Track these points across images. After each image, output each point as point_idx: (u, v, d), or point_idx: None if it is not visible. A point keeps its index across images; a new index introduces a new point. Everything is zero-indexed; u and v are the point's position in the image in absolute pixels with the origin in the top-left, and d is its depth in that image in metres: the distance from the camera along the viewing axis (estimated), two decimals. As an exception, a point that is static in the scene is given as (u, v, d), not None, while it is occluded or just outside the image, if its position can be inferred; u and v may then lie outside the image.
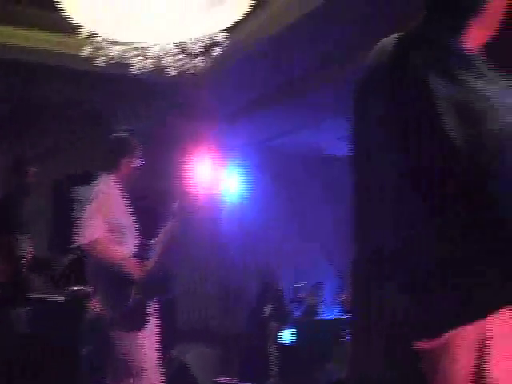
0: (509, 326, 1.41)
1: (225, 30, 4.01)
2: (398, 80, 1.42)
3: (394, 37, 1.50)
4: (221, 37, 3.91)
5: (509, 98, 1.31)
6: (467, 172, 1.28)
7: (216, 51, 3.97)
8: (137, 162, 4.02)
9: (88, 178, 4.19)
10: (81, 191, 6.77)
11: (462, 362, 1.35)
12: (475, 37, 1.43)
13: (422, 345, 1.37)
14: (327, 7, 4.86)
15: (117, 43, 3.56)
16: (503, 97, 1.31)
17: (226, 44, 4.00)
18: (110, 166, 3.96)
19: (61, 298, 5.48)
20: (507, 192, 1.27)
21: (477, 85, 1.31)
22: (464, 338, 1.35)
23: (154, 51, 3.68)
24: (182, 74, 4.18)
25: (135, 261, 3.87)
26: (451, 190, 1.31)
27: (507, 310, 1.40)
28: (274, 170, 8.95)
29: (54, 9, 3.82)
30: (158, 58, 3.78)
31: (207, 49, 3.93)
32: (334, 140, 7.43)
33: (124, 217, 3.98)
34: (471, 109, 1.28)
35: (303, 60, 5.90)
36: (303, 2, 4.97)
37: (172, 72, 3.97)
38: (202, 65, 4.09)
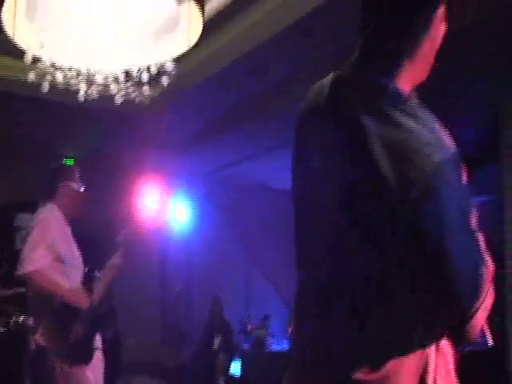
0: (448, 356, 1.42)
1: (174, 59, 3.99)
2: (333, 118, 1.46)
3: (330, 76, 1.53)
4: (169, 66, 3.88)
5: (437, 137, 1.35)
6: (397, 205, 1.30)
7: (164, 80, 3.94)
8: (75, 186, 3.98)
9: (31, 207, 4.12)
10: (24, 219, 6.65)
11: (403, 392, 1.35)
12: (407, 78, 1.46)
13: (362, 376, 1.35)
14: (275, 41, 4.93)
15: (63, 69, 3.52)
16: (432, 136, 1.34)
17: (174, 73, 3.98)
18: (49, 192, 3.91)
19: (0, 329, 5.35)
20: (434, 225, 1.28)
21: (407, 123, 1.34)
22: (405, 368, 1.35)
23: (100, 78, 3.64)
24: (129, 102, 4.15)
25: (80, 292, 3.80)
26: (384, 224, 1.33)
27: (445, 340, 1.41)
28: (222, 200, 8.94)
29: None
30: (105, 86, 3.74)
31: (155, 77, 3.90)
32: (281, 171, 7.48)
33: (68, 246, 3.91)
34: (401, 146, 1.32)
35: (251, 91, 5.95)
36: (250, 36, 5.03)
37: (119, 100, 3.93)
38: (149, 93, 4.07)
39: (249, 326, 9.32)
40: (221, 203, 8.95)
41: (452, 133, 1.38)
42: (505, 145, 4.84)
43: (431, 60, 1.52)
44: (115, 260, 3.96)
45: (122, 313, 7.06)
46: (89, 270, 4.00)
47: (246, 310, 9.43)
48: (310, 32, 4.76)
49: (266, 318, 9.34)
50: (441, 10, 1.47)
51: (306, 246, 1.56)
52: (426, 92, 1.53)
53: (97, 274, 3.98)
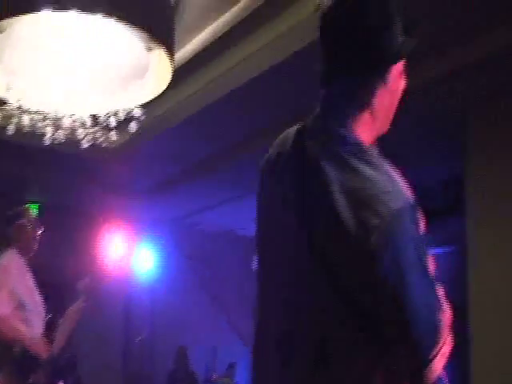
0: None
1: (142, 105, 4.02)
2: (296, 166, 1.49)
3: (296, 126, 1.56)
4: (137, 112, 3.90)
5: (395, 187, 1.38)
6: (356, 253, 1.31)
7: (132, 126, 3.96)
8: (29, 224, 3.96)
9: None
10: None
11: None
12: (367, 129, 1.50)
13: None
14: (245, 89, 4.99)
15: (29, 112, 3.51)
16: (390, 185, 1.37)
17: (142, 119, 4.00)
18: (6, 236, 3.89)
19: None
20: (391, 273, 1.30)
21: (366, 172, 1.38)
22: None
23: (67, 122, 3.64)
24: (95, 147, 4.15)
25: (41, 341, 3.74)
26: (343, 271, 1.34)
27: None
28: (187, 248, 8.89)
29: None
30: (72, 130, 3.74)
31: (123, 123, 3.91)
32: (248, 219, 7.47)
33: (29, 293, 3.86)
34: (360, 193, 1.35)
35: (221, 137, 5.98)
36: (221, 83, 5.09)
37: (85, 144, 3.93)
38: (116, 139, 4.08)
39: (214, 375, 9.19)
40: (187, 250, 8.90)
41: (412, 184, 1.41)
42: (469, 196, 4.91)
43: (391, 113, 1.56)
44: (75, 307, 3.92)
45: (85, 361, 6.92)
46: (50, 318, 3.94)
47: (211, 359, 9.30)
48: (276, 84, 4.84)
49: (232, 366, 9.22)
50: (399, 65, 1.51)
51: (265, 292, 1.56)
52: (388, 143, 1.56)
53: (59, 321, 3.93)
